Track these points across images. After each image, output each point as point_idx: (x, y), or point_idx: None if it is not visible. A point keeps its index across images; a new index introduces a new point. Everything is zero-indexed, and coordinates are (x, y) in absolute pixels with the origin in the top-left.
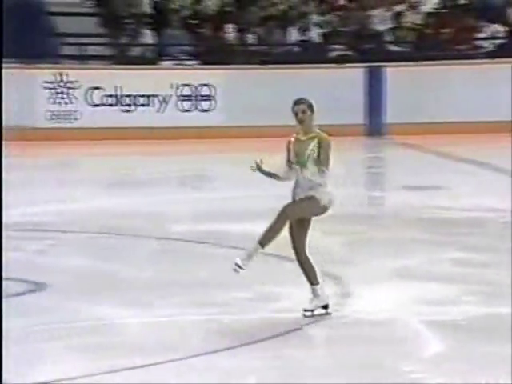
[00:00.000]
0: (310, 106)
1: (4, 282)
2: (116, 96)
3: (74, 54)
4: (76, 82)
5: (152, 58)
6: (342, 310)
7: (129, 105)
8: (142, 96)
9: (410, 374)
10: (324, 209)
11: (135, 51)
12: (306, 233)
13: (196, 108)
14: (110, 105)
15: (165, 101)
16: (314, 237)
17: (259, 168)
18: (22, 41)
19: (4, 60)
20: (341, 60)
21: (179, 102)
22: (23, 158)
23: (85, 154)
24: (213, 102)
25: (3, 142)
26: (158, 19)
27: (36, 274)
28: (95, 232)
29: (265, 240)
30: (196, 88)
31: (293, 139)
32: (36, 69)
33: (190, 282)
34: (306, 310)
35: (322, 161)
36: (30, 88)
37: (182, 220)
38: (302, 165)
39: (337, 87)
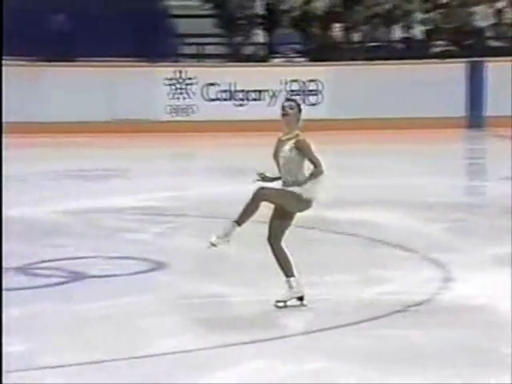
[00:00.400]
0: (298, 106)
1: (125, 261)
2: (230, 91)
3: (192, 53)
4: (194, 78)
5: (263, 55)
6: (443, 294)
7: (242, 99)
8: (254, 91)
9: (509, 357)
10: (307, 203)
11: (248, 50)
12: (285, 226)
13: (304, 102)
14: (225, 99)
15: (275, 95)
16: (416, 224)
17: (263, 178)
18: (146, 41)
19: (130, 59)
20: (443, 55)
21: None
22: (146, 149)
23: (201, 145)
24: (320, 96)
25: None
26: (270, 20)
27: (156, 254)
28: (210, 216)
29: (240, 219)
30: (304, 83)
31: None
32: (158, 67)
33: (299, 264)
34: (278, 301)
35: (313, 162)
36: (152, 84)
37: None
38: (277, 163)
39: (439, 81)
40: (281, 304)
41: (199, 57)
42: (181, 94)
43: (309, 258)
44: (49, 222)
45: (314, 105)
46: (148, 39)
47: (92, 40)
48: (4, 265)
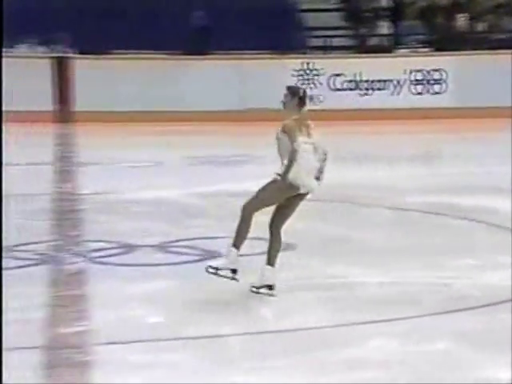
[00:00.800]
0: (293, 92)
1: (255, 242)
2: (355, 81)
3: (319, 45)
4: (321, 69)
5: (388, 46)
6: None
7: (366, 89)
8: (379, 81)
9: None
10: (291, 187)
11: (373, 41)
12: (287, 214)
13: (427, 91)
14: (350, 89)
15: (399, 85)
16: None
17: (283, 176)
18: (277, 35)
19: (262, 51)
20: None
21: (412, 86)
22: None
23: (327, 132)
24: (443, 85)
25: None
26: (396, 11)
27: (284, 235)
28: (337, 201)
29: (237, 242)
30: (428, 73)
31: None
32: (287, 59)
33: (423, 248)
34: (253, 286)
35: (291, 144)
36: (280, 75)
37: (415, 192)
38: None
39: None
40: (254, 289)
41: (326, 49)
42: (308, 84)
43: (434, 243)
44: (184, 204)
45: (437, 94)
46: (279, 33)
47: (227, 34)
48: (143, 242)
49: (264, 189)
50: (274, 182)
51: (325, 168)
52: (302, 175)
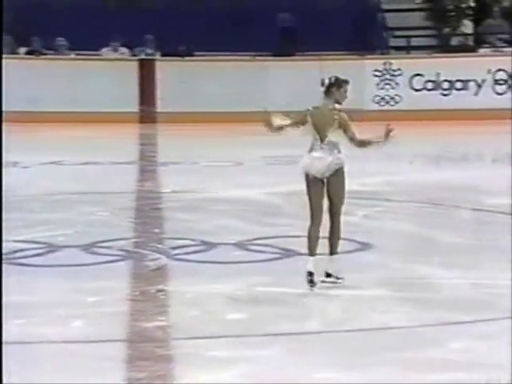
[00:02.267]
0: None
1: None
2: (436, 81)
3: (401, 46)
4: (400, 69)
5: (471, 46)
6: None
7: (447, 89)
8: (460, 81)
9: None
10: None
11: (456, 41)
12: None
13: (510, 91)
14: (430, 89)
15: (480, 85)
16: None
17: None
18: (358, 35)
19: (343, 52)
20: None
21: (494, 86)
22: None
23: (408, 133)
24: None
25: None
26: (480, 10)
27: (363, 235)
28: (417, 201)
29: (311, 251)
30: (510, 73)
31: None
32: (368, 59)
33: (504, 250)
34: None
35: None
36: (361, 75)
37: (498, 194)
38: None
39: None
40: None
41: (408, 49)
42: (388, 84)
43: (488, 243)
44: (263, 203)
45: None
46: (360, 33)
47: (311, 36)
48: (223, 240)
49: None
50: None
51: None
52: (315, 168)
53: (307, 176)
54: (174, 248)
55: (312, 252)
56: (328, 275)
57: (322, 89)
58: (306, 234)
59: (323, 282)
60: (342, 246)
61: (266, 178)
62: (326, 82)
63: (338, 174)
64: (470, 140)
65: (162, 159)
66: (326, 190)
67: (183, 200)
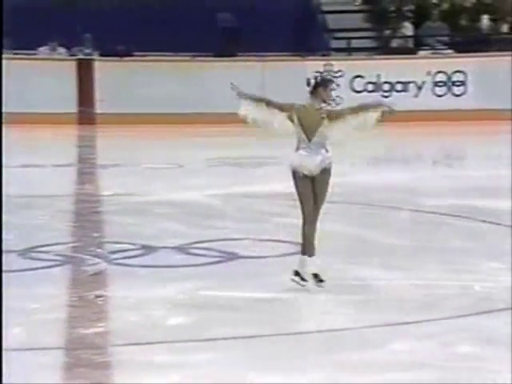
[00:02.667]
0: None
1: (275, 244)
2: (376, 83)
3: (342, 47)
4: (341, 71)
5: (411, 48)
6: None
7: (388, 91)
8: (400, 83)
9: None
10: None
11: (396, 43)
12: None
13: (450, 93)
14: (371, 91)
15: (420, 86)
16: None
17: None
18: (299, 37)
19: (284, 53)
20: None
21: (434, 88)
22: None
23: None
24: (465, 87)
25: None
26: (419, 13)
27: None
28: (358, 203)
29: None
30: (449, 74)
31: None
32: (309, 61)
33: (444, 250)
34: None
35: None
36: (302, 77)
37: (437, 195)
38: None
39: None
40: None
41: (348, 50)
42: None
43: (457, 245)
44: (205, 206)
45: (459, 96)
46: (301, 35)
47: (251, 36)
48: (163, 244)
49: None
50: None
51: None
52: (304, 165)
53: (295, 174)
54: (114, 252)
55: (305, 251)
56: (316, 276)
57: (308, 89)
58: (247, 236)
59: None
60: (282, 248)
61: (207, 180)
62: (313, 81)
63: (325, 172)
64: (409, 141)
65: (102, 161)
66: (312, 188)
67: (123, 203)
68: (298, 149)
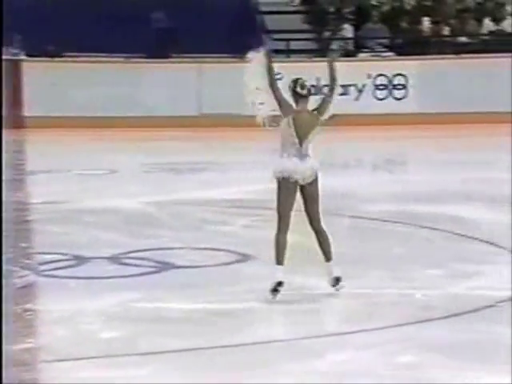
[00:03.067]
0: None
1: (213, 253)
2: (316, 86)
3: (281, 49)
4: (280, 73)
5: (351, 50)
6: None
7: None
8: (340, 86)
9: None
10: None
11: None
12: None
13: (391, 96)
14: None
15: (361, 90)
16: (504, 219)
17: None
18: (237, 38)
19: (221, 55)
20: None
21: (375, 91)
22: (236, 143)
23: None
24: (406, 90)
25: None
26: (359, 14)
27: (243, 246)
28: (298, 210)
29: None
30: (390, 77)
31: None
32: (247, 62)
33: (384, 258)
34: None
35: None
36: (241, 79)
37: (376, 200)
38: None
39: None
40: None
41: (287, 52)
42: None
43: (399, 252)
44: (140, 214)
45: (400, 99)
46: (239, 36)
47: (189, 37)
48: (95, 254)
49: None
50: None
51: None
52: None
53: (280, 183)
54: (44, 263)
55: (280, 260)
56: (337, 279)
57: (304, 92)
58: (183, 245)
59: (336, 288)
60: (220, 257)
61: (142, 187)
62: (307, 87)
63: (316, 178)
64: (350, 146)
65: (31, 167)
66: (303, 196)
67: (54, 211)
68: (285, 154)
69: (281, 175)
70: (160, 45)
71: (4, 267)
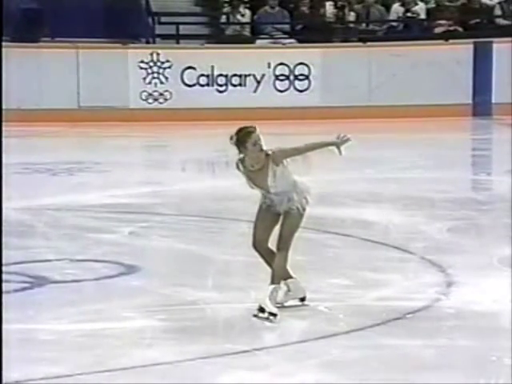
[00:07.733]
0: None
1: (93, 265)
2: (209, 76)
3: (168, 34)
4: (169, 61)
5: (248, 36)
6: (445, 300)
7: (223, 85)
8: (236, 76)
9: None
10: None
11: (230, 30)
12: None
13: (292, 87)
14: (204, 85)
15: (260, 80)
16: (415, 223)
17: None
18: (118, 21)
19: (100, 40)
20: (446, 36)
21: (275, 82)
22: (117, 140)
23: (178, 135)
24: (309, 81)
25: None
26: None
27: (128, 256)
28: (190, 215)
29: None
30: (292, 67)
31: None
32: (131, 49)
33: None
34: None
35: None
36: (124, 68)
37: None
38: None
39: (442, 65)
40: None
41: (177, 38)
42: (156, 78)
43: (297, 260)
44: (8, 221)
45: (302, 91)
46: (121, 19)
47: (60, 20)
48: None
49: None
50: None
51: None
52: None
53: (261, 206)
54: None
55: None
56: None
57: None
58: (60, 257)
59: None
60: (102, 269)
61: (12, 191)
62: (234, 141)
63: (294, 213)
64: None
65: None
66: (281, 223)
67: None
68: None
69: (264, 205)
70: (26, 27)
71: None
